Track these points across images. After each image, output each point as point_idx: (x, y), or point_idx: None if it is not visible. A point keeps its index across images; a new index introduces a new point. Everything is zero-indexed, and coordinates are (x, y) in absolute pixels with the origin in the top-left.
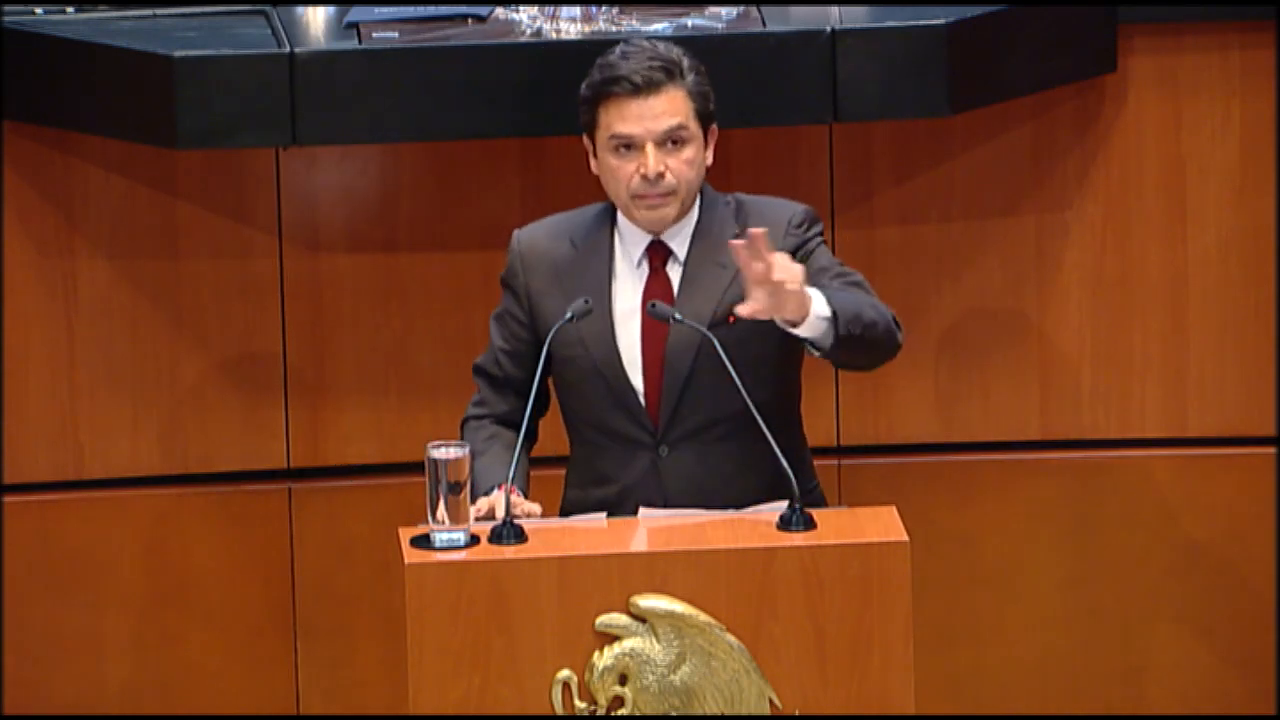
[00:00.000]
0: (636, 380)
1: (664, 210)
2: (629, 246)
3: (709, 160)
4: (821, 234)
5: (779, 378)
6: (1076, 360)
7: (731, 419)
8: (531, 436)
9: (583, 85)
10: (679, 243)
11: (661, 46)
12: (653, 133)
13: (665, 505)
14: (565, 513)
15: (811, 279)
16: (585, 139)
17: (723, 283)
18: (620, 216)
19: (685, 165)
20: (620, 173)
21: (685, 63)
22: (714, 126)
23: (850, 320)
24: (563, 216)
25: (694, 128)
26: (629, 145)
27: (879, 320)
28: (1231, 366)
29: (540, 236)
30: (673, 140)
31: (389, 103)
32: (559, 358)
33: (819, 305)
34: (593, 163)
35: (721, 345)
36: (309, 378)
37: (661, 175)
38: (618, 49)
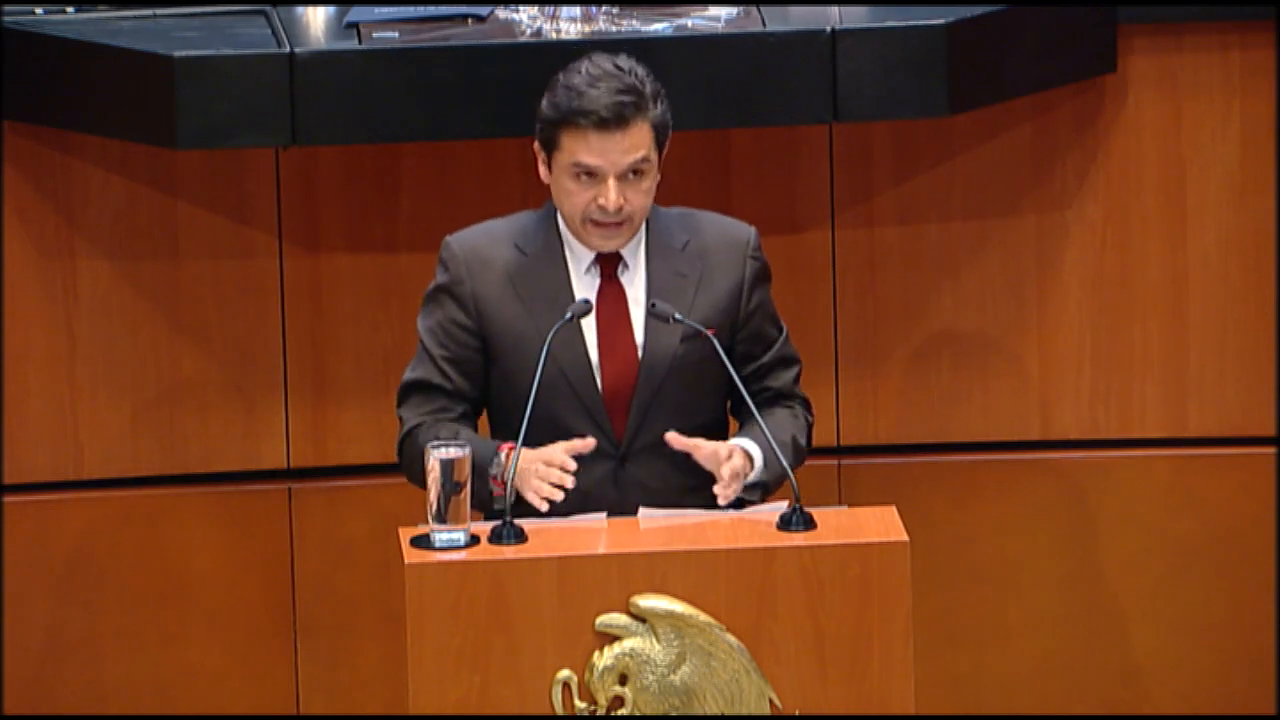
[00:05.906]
0: (600, 389)
1: (617, 239)
2: (578, 254)
3: (659, 177)
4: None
5: (723, 404)
6: (1076, 360)
7: (694, 432)
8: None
9: (544, 101)
10: (629, 251)
11: (625, 68)
12: (617, 166)
13: (622, 512)
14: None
15: (743, 326)
16: (538, 148)
17: (688, 293)
18: (563, 223)
19: (642, 195)
20: (577, 197)
21: (649, 89)
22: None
23: (775, 480)
24: (495, 223)
25: (654, 158)
26: (590, 174)
27: (798, 456)
28: (1231, 367)
29: (479, 242)
30: (633, 172)
31: (389, 103)
32: (519, 365)
33: (755, 473)
34: (543, 171)
35: (689, 363)
36: (309, 378)
37: (620, 207)
38: (583, 69)
